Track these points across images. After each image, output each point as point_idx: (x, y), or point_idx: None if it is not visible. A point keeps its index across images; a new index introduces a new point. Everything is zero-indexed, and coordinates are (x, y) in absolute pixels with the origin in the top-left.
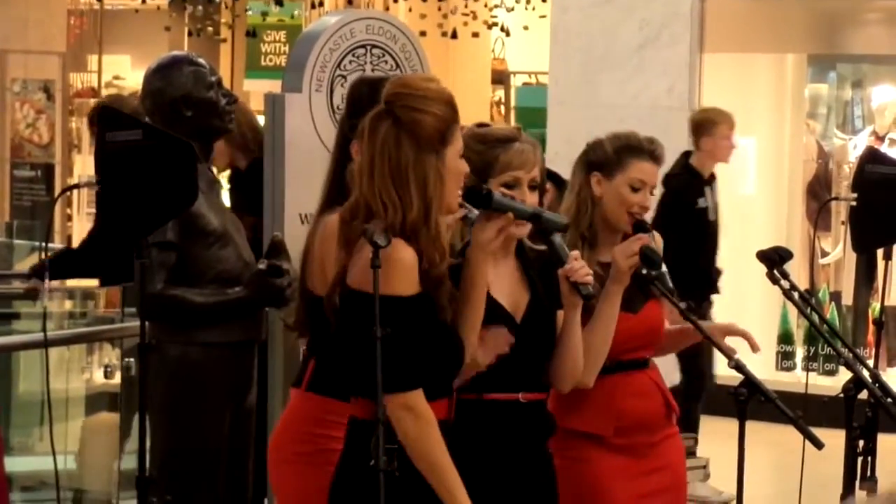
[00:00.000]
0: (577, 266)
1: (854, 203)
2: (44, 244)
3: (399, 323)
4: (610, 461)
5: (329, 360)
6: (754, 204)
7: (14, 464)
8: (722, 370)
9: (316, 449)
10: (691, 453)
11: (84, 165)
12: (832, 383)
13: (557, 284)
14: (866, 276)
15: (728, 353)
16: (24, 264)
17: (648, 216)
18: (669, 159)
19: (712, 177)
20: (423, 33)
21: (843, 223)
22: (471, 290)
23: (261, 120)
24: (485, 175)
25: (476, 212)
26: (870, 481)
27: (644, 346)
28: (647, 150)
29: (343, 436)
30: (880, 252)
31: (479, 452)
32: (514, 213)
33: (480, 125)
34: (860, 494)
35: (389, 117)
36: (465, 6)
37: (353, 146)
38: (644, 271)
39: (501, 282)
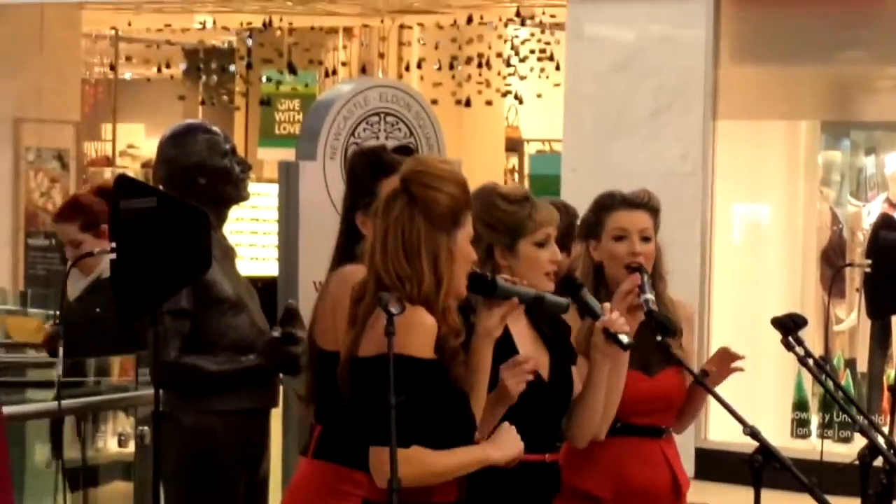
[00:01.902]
0: (615, 317)
1: (868, 269)
2: (58, 313)
3: (415, 384)
4: None
5: (339, 427)
6: (769, 270)
7: None
8: (737, 437)
9: None
10: None
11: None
12: (847, 450)
13: (567, 338)
14: (881, 342)
15: (743, 421)
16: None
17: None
18: (682, 227)
19: None
20: (435, 101)
21: (857, 290)
22: (474, 376)
23: (276, 187)
24: (517, 233)
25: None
26: None
27: (657, 411)
28: (619, 200)
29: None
30: (895, 319)
31: None
32: (519, 298)
33: (493, 185)
34: None
35: (405, 194)
36: (479, 74)
37: (358, 217)
38: (659, 338)
39: (521, 341)
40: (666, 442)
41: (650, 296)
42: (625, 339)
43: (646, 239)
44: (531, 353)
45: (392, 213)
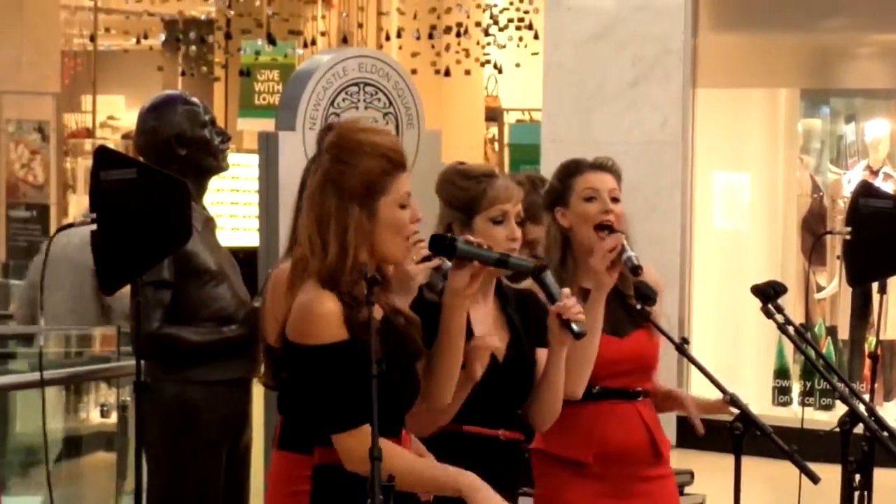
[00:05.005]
0: (570, 303)
1: (848, 237)
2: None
3: (330, 369)
4: (588, 490)
5: (295, 418)
6: (749, 239)
7: None
8: None
9: None
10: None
11: (79, 205)
12: (829, 418)
13: (536, 322)
14: (862, 310)
15: (723, 388)
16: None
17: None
18: (662, 195)
19: None
20: (414, 71)
21: (837, 257)
22: (446, 336)
23: (255, 158)
24: (472, 210)
25: (449, 262)
26: None
27: (630, 373)
28: (585, 164)
29: None
30: (875, 286)
31: None
32: (479, 260)
33: (459, 164)
34: None
35: (322, 168)
36: (458, 44)
37: None
38: (639, 306)
39: (482, 322)
40: (642, 404)
41: (632, 253)
42: (577, 327)
43: (615, 199)
44: (487, 331)
45: (311, 185)
